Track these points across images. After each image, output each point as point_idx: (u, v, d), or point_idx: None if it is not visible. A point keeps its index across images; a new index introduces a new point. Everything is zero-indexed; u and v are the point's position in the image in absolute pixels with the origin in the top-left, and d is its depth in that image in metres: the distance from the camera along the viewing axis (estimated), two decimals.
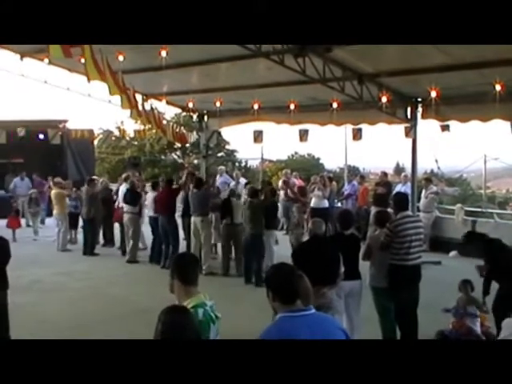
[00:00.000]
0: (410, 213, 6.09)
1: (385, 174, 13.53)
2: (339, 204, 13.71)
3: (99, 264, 10.68)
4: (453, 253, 11.12)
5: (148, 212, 10.93)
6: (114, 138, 27.97)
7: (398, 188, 12.13)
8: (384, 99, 9.44)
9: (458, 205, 12.61)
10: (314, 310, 2.73)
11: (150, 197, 10.86)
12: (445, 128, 10.51)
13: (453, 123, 10.43)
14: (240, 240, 9.58)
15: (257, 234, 8.96)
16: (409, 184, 11.78)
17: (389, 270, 5.60)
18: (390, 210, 7.09)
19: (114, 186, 13.06)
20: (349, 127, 12.44)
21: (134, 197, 10.87)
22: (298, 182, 14.13)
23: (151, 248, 10.85)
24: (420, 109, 10.81)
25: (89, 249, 11.40)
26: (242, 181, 13.99)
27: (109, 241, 12.34)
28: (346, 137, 26.24)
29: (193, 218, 9.85)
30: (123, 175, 12.36)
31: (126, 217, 10.97)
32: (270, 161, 36.39)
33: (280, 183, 13.72)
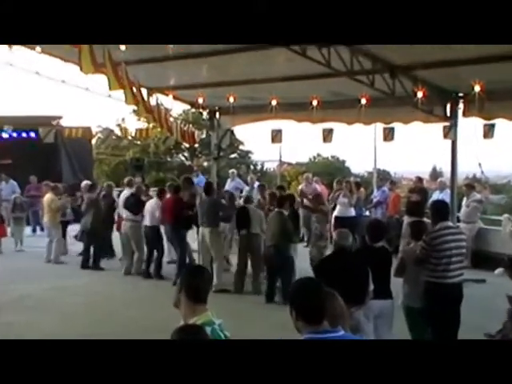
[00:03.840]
0: (450, 223, 6.05)
1: (419, 180, 13.43)
2: (367, 213, 13.63)
3: (95, 278, 10.76)
4: (499, 270, 10.96)
5: (144, 221, 10.84)
6: (114, 138, 28.29)
7: (436, 196, 12.01)
8: (420, 94, 9.35)
9: (505, 215, 12.43)
10: (342, 332, 2.73)
11: (149, 204, 10.81)
12: (488, 132, 10.37)
13: (499, 122, 10.32)
14: (258, 252, 9.55)
15: (283, 248, 8.93)
16: (447, 191, 11.66)
17: (425, 289, 5.57)
18: (426, 219, 7.05)
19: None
20: (379, 126, 12.35)
21: (137, 204, 10.90)
22: (321, 188, 14.09)
23: (146, 261, 10.92)
24: (461, 105, 10.71)
25: (94, 263, 11.45)
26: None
27: (106, 252, 12.45)
28: (375, 137, 26.17)
29: (200, 229, 9.85)
30: (125, 179, 12.44)
31: (126, 225, 10.99)
32: (289, 163, 36.36)
33: (299, 190, 13.68)
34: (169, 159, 33.89)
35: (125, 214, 11.04)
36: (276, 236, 8.86)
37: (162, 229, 10.81)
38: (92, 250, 11.58)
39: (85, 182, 13.22)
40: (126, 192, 11.52)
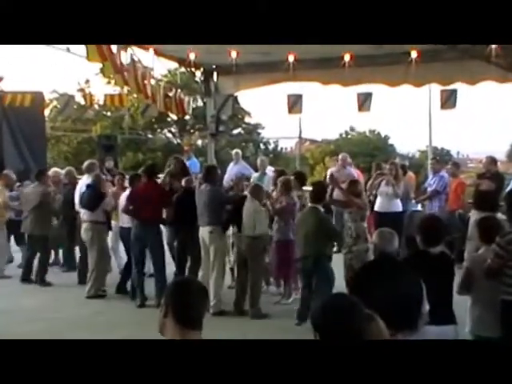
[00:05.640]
0: None
1: (492, 161, 13.35)
2: (419, 207, 13.59)
3: (55, 298, 10.81)
4: None
5: (121, 221, 10.90)
6: (75, 107, 28.35)
7: None
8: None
9: None
10: None
11: (124, 198, 10.78)
12: None
13: None
14: (260, 260, 9.54)
15: (325, 259, 8.90)
16: None
17: (502, 311, 5.59)
18: (500, 215, 7.01)
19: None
20: (435, 89, 12.33)
21: (94, 196, 10.80)
22: (357, 174, 14.04)
23: (122, 273, 10.96)
24: None
25: (38, 276, 11.54)
26: (271, 172, 13.98)
27: (67, 262, 12.55)
28: (430, 104, 26.12)
29: (200, 230, 9.85)
30: (85, 163, 12.40)
31: (83, 227, 10.94)
32: (313, 141, 36.37)
33: (328, 174, 13.51)
34: (150, 136, 33.98)
35: (82, 213, 11.00)
36: (314, 243, 8.83)
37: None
38: (38, 259, 11.67)
39: (53, 170, 13.33)
40: (85, 181, 11.50)
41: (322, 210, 9.09)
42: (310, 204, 9.11)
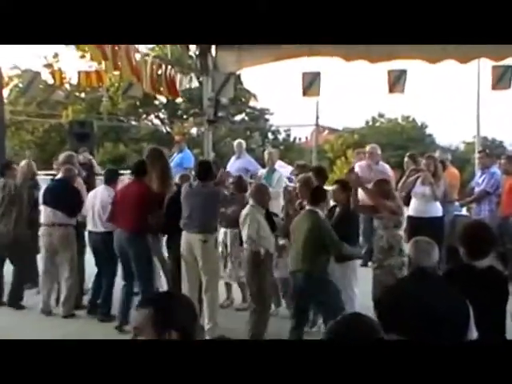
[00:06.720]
0: None
1: None
2: (464, 211, 13.56)
3: (18, 320, 10.87)
4: None
5: (89, 224, 10.81)
6: (41, 87, 28.40)
7: None
8: None
9: None
10: None
11: (98, 195, 10.75)
12: None
13: None
14: (259, 279, 9.27)
15: (319, 271, 8.87)
16: None
17: None
18: None
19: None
20: (485, 65, 12.31)
21: (70, 196, 10.84)
22: (391, 173, 14.03)
23: (93, 289, 11.01)
24: None
25: (12, 296, 11.52)
26: (282, 167, 13.98)
27: (30, 278, 12.56)
28: (478, 84, 26.09)
29: (185, 236, 9.84)
30: (61, 156, 12.41)
31: (54, 232, 10.86)
32: (332, 130, 36.38)
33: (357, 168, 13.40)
34: (134, 123, 34.00)
35: (45, 214, 10.93)
36: (307, 253, 8.74)
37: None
38: (13, 274, 11.65)
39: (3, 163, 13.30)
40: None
41: (322, 213, 8.88)
42: (307, 206, 8.98)
